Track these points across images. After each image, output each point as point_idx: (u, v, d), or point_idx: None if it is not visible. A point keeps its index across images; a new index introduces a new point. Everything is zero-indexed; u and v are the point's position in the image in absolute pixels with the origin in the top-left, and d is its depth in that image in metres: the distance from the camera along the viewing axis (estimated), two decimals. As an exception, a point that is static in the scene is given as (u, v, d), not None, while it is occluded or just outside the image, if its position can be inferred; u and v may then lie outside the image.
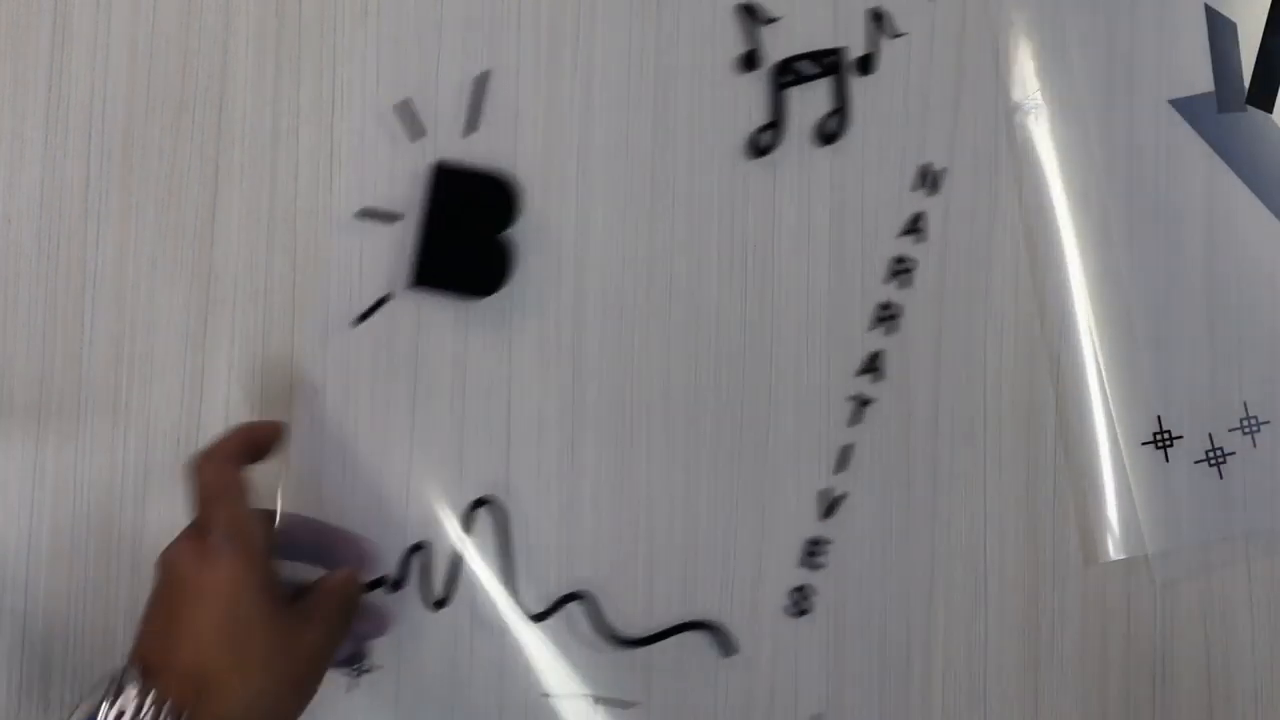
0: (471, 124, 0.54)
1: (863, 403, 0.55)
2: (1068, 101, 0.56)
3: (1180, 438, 0.56)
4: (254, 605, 0.45)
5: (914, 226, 0.56)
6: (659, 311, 0.55)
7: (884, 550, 0.55)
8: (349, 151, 0.54)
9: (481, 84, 0.54)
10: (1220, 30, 0.56)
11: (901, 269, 0.55)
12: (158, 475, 0.54)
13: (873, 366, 0.56)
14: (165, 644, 0.45)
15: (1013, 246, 0.56)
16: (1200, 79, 0.57)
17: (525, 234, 0.54)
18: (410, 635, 0.54)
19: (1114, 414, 0.56)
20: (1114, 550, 0.55)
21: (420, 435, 0.54)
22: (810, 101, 0.55)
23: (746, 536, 0.55)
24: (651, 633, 0.54)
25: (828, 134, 0.55)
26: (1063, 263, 0.56)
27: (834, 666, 0.54)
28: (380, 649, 0.53)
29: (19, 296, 0.54)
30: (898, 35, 0.56)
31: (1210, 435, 0.56)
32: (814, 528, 0.55)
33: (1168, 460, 0.56)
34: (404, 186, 0.54)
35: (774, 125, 0.55)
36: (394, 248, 0.54)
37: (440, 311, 0.54)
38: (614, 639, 0.54)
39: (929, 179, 0.56)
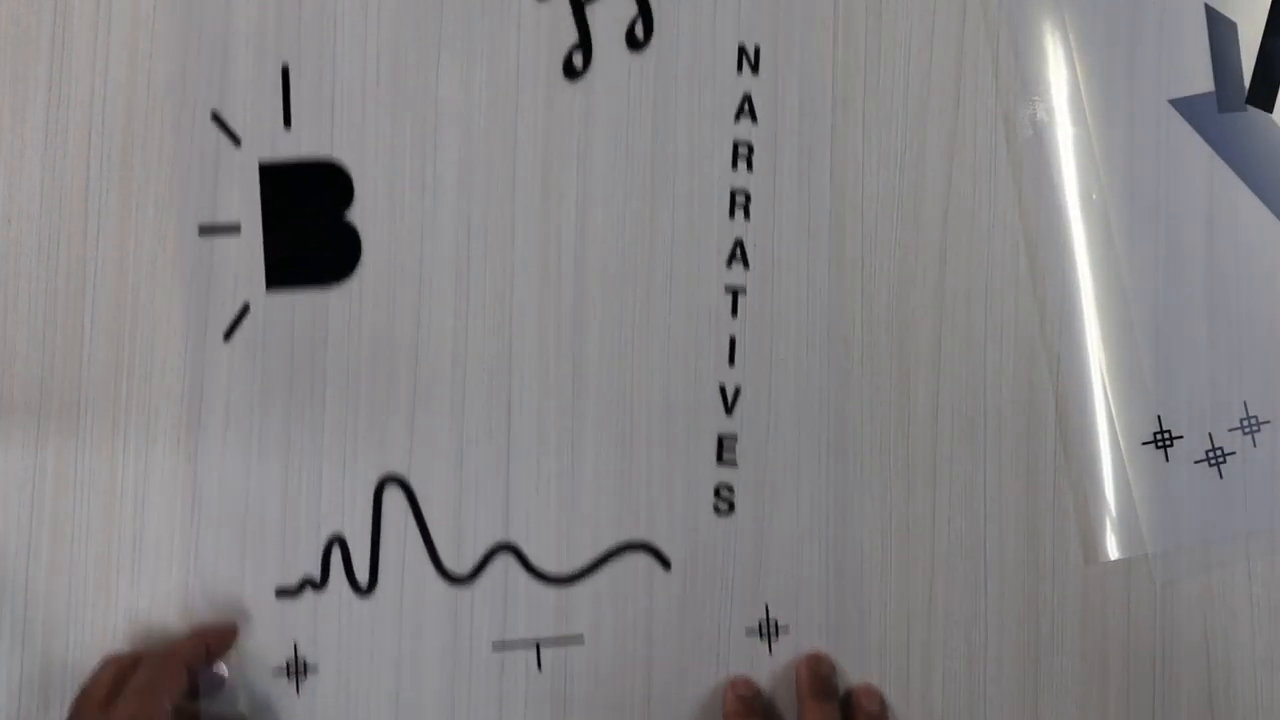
0: (285, 120, 0.54)
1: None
2: (1067, 101, 0.56)
3: (1180, 437, 0.56)
4: None
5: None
6: (520, 262, 0.55)
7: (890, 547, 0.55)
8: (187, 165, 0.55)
9: (285, 78, 0.55)
10: (1220, 30, 0.57)
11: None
12: (158, 475, 0.54)
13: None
14: None
15: (1012, 246, 0.56)
16: (1200, 79, 0.57)
17: (363, 211, 0.55)
18: (345, 629, 0.54)
19: (1114, 414, 0.56)
20: (1114, 550, 0.55)
21: (323, 427, 0.54)
22: (613, 12, 0.55)
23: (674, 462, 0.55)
24: (585, 565, 0.54)
25: (636, 40, 0.55)
26: (1063, 262, 0.56)
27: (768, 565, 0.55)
28: (316, 649, 0.53)
29: (19, 296, 0.54)
30: None
31: (1210, 435, 0.56)
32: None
33: (1168, 460, 0.56)
34: (241, 192, 0.54)
35: (583, 43, 0.55)
36: (246, 254, 0.54)
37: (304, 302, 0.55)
38: (548, 579, 0.54)
39: (747, 58, 0.55)
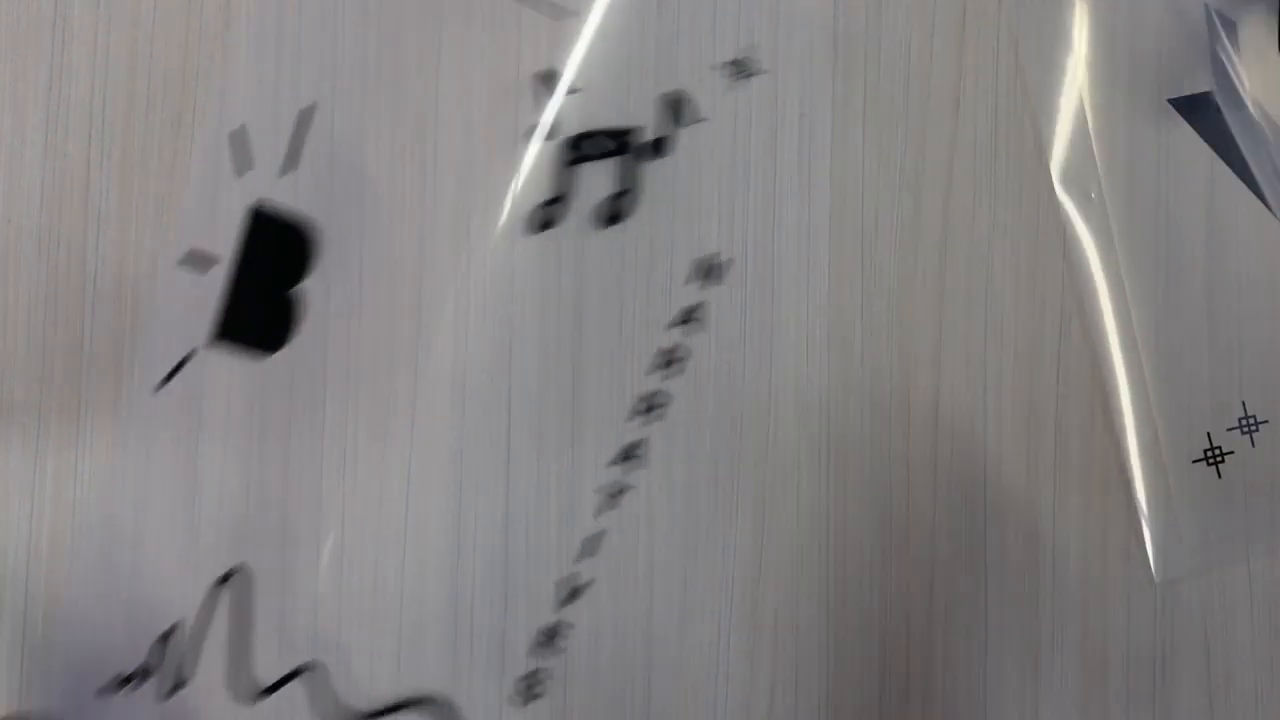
0: (291, 162, 0.52)
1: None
2: (1067, 101, 0.56)
3: (1179, 438, 0.56)
4: None
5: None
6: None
7: (885, 558, 0.55)
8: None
9: (306, 120, 0.53)
10: (1220, 30, 0.57)
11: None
12: (158, 475, 0.54)
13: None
14: None
15: (1012, 248, 0.56)
16: (1200, 79, 0.57)
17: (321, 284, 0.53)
18: None
19: (1113, 413, 0.56)
20: (1114, 550, 0.55)
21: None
22: (598, 181, 0.54)
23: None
24: (382, 706, 0.51)
25: (612, 215, 0.54)
26: (1062, 263, 0.56)
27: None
28: None
29: (19, 296, 0.54)
30: (698, 121, 0.54)
31: (1209, 434, 0.56)
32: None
33: (1166, 460, 0.56)
34: (224, 227, 0.53)
35: (559, 200, 0.54)
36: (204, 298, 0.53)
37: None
38: (340, 713, 0.50)
39: (707, 271, 0.54)
